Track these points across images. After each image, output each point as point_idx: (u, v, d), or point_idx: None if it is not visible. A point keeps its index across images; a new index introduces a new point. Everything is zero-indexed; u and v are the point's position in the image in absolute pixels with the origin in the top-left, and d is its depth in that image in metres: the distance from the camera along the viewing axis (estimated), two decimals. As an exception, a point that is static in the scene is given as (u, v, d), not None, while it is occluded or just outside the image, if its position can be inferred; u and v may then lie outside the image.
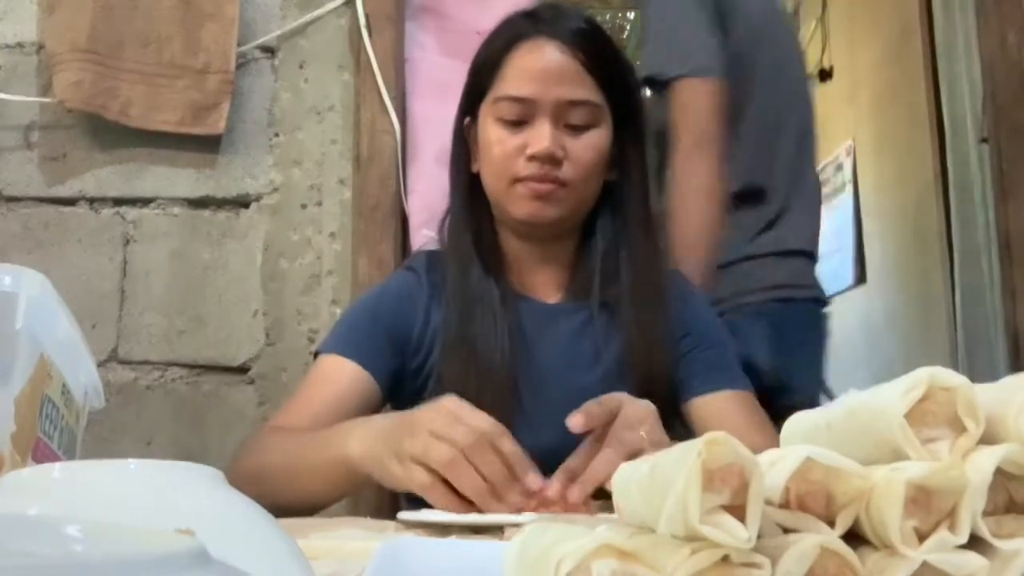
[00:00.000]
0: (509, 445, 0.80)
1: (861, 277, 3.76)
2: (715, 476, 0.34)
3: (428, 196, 1.54)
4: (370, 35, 1.60)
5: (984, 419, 0.37)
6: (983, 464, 0.36)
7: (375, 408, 1.08)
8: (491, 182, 1.09)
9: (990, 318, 2.56)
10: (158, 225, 1.60)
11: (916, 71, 3.13)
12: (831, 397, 1.93)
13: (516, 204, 1.06)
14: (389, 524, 0.79)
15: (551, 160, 1.03)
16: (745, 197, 1.56)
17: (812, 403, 1.68)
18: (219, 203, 1.61)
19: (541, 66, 1.04)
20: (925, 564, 0.35)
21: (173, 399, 1.56)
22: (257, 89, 1.63)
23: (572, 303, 1.11)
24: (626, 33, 4.62)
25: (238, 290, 1.58)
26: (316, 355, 1.11)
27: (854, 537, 0.36)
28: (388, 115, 1.59)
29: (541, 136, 1.03)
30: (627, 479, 0.39)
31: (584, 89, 1.05)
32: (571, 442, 0.85)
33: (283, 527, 0.40)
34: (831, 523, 0.36)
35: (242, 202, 1.61)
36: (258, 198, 1.60)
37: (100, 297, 1.57)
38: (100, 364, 1.44)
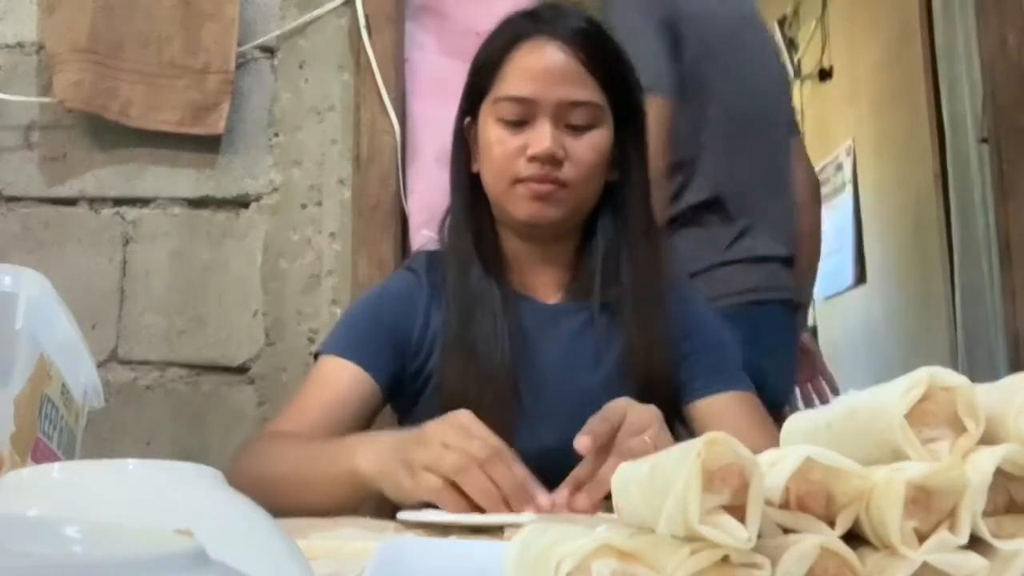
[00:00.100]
0: (519, 467, 0.81)
1: (861, 277, 3.76)
2: (715, 476, 0.34)
3: (428, 196, 1.54)
4: (370, 35, 1.60)
5: (984, 419, 0.37)
6: (983, 464, 0.36)
7: (376, 410, 1.08)
8: (491, 182, 1.09)
9: (990, 318, 2.56)
10: (158, 225, 1.60)
11: (916, 71, 3.13)
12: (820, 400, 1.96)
13: (516, 205, 1.06)
14: (389, 524, 0.79)
15: (552, 161, 1.03)
16: (712, 206, 1.58)
17: (784, 402, 1.70)
18: (219, 203, 1.61)
19: (542, 66, 1.04)
20: (925, 564, 0.35)
21: (173, 399, 1.56)
22: (257, 89, 1.62)
23: (573, 304, 1.11)
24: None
25: (238, 290, 1.58)
26: (316, 356, 1.11)
27: (854, 537, 0.36)
28: (388, 115, 1.58)
29: (542, 137, 1.03)
30: (627, 479, 0.39)
31: (585, 89, 1.04)
32: (570, 444, 0.85)
33: (283, 527, 0.40)
34: (831, 523, 0.36)
35: (242, 202, 1.61)
36: (258, 198, 1.60)
37: (100, 297, 1.57)
38: (100, 364, 1.44)
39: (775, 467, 0.36)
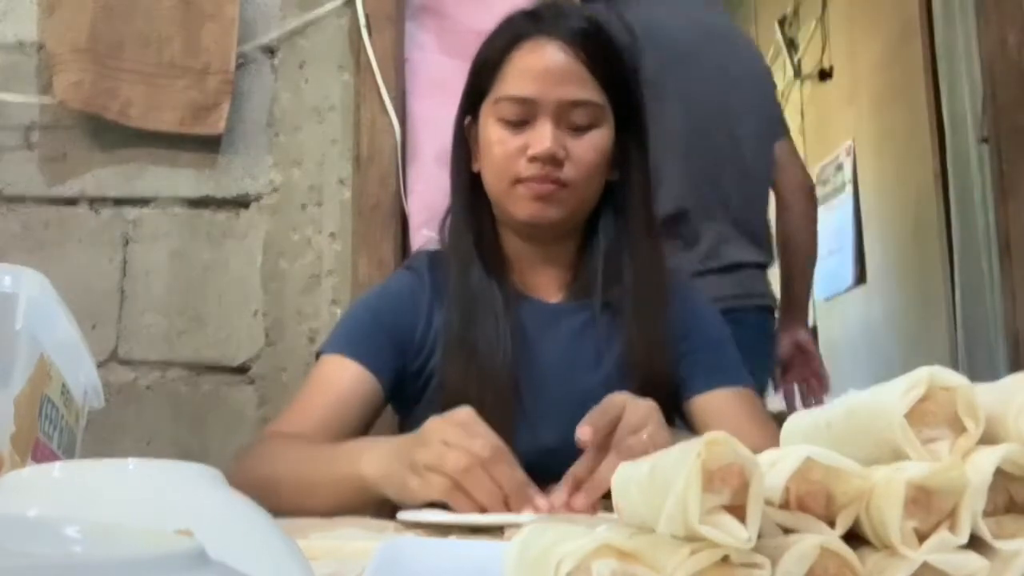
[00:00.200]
0: (518, 470, 0.81)
1: (861, 277, 3.76)
2: (715, 476, 0.34)
3: (428, 196, 1.54)
4: (370, 35, 1.60)
5: (984, 419, 0.37)
6: (983, 464, 0.36)
7: (378, 409, 1.08)
8: (492, 182, 1.08)
9: (990, 318, 2.56)
10: (158, 225, 1.60)
11: (916, 71, 3.13)
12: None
13: (517, 205, 1.06)
14: (389, 524, 0.79)
15: (552, 161, 1.03)
16: (678, 220, 1.60)
17: None
18: (219, 203, 1.61)
19: (542, 66, 1.04)
20: (925, 564, 0.35)
21: (173, 399, 1.56)
22: (257, 89, 1.62)
23: (574, 303, 1.11)
24: None
25: (238, 290, 1.58)
26: (318, 355, 1.11)
27: (854, 537, 0.36)
28: (388, 115, 1.58)
29: (542, 137, 1.03)
30: (627, 479, 0.39)
31: (586, 89, 1.04)
32: (571, 443, 0.85)
33: (283, 527, 0.40)
34: (831, 523, 0.36)
35: (242, 202, 1.61)
36: (258, 198, 1.60)
37: (100, 297, 1.57)
38: (100, 364, 1.44)
39: (775, 467, 0.36)
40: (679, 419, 1.10)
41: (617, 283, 1.09)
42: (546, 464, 0.88)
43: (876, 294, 3.67)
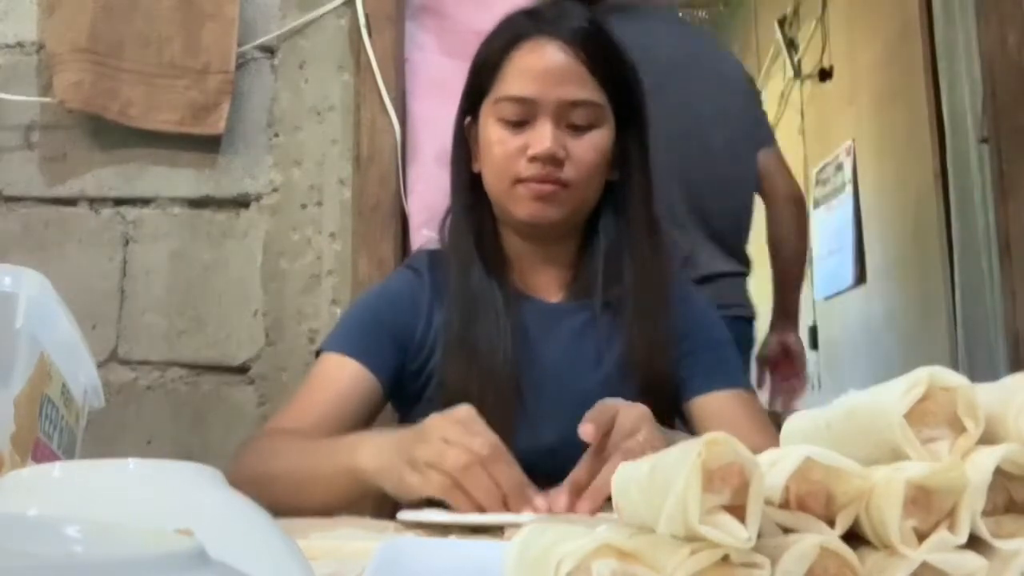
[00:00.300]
0: (516, 470, 0.81)
1: (861, 277, 3.76)
2: (715, 476, 0.34)
3: (428, 196, 1.54)
4: (370, 35, 1.60)
5: (984, 419, 0.37)
6: (983, 464, 0.36)
7: (377, 408, 1.08)
8: (492, 183, 1.08)
9: (990, 318, 2.56)
10: (158, 225, 1.60)
11: (916, 71, 3.13)
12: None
13: (517, 205, 1.06)
14: (389, 524, 0.79)
15: (553, 161, 1.03)
16: None
17: None
18: (219, 203, 1.61)
19: (542, 66, 1.04)
20: (925, 564, 0.35)
21: (173, 399, 1.56)
22: (257, 89, 1.62)
23: (574, 303, 1.11)
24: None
25: (238, 290, 1.58)
26: (318, 353, 1.11)
27: (854, 537, 0.36)
28: (388, 115, 1.58)
29: (543, 137, 1.03)
30: (627, 479, 0.39)
31: (586, 89, 1.04)
32: (571, 443, 0.85)
33: (283, 527, 0.40)
34: (831, 523, 0.36)
35: (242, 202, 1.61)
36: (258, 198, 1.60)
37: (100, 297, 1.57)
38: (100, 364, 1.44)
39: (775, 467, 0.36)
40: (680, 422, 1.10)
41: (617, 283, 1.09)
42: (546, 463, 0.88)
43: (876, 294, 3.67)
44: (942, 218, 2.97)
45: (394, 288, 1.15)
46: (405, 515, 0.79)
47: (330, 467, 0.90)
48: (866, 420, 0.39)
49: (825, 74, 4.13)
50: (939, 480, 0.35)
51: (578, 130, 1.05)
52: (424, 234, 1.51)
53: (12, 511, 0.34)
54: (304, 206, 1.60)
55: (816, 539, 0.34)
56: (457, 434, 0.80)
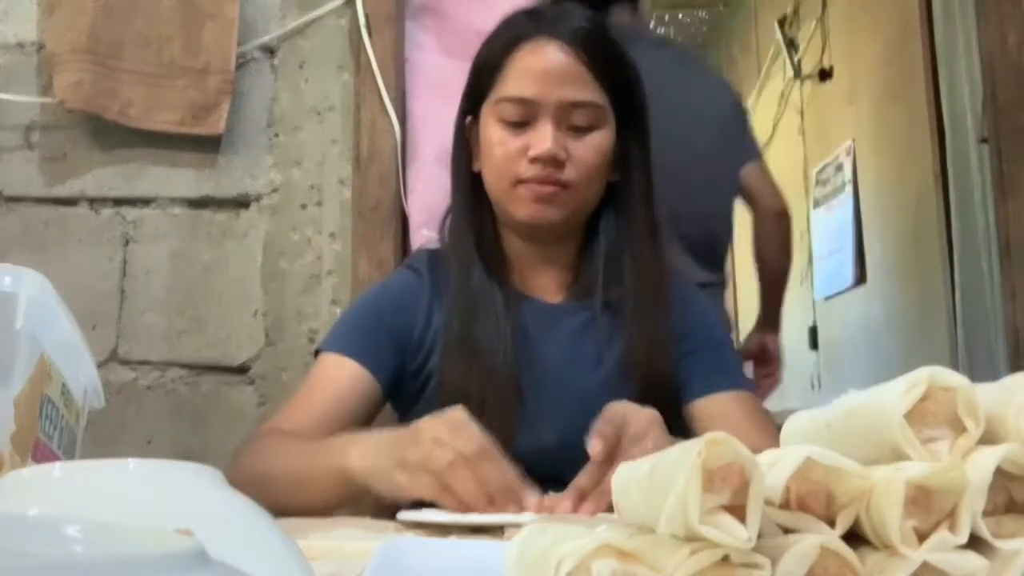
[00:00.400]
0: (509, 469, 0.81)
1: (861, 277, 3.76)
2: (715, 476, 0.34)
3: (428, 196, 1.54)
4: (370, 35, 1.60)
5: (984, 419, 0.37)
6: (983, 464, 0.36)
7: (376, 408, 1.08)
8: (493, 183, 1.08)
9: (990, 318, 2.56)
10: (158, 225, 1.60)
11: (916, 71, 3.13)
12: None
13: (518, 206, 1.06)
14: (389, 524, 0.79)
15: (553, 162, 1.03)
16: None
17: None
18: (219, 203, 1.61)
19: (543, 67, 1.04)
20: (925, 564, 0.35)
21: (173, 399, 1.56)
22: (257, 89, 1.62)
23: (574, 303, 1.11)
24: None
25: (238, 290, 1.58)
26: (317, 353, 1.11)
27: (854, 537, 0.36)
28: (388, 115, 1.58)
29: (543, 138, 1.02)
30: (627, 479, 0.39)
31: (587, 90, 1.04)
32: (571, 443, 0.85)
33: (283, 527, 0.40)
34: (831, 523, 0.36)
35: (242, 202, 1.61)
36: (258, 198, 1.60)
37: (100, 297, 1.57)
38: (100, 364, 1.44)
39: (775, 467, 0.36)
40: (680, 423, 1.10)
41: (618, 283, 1.09)
42: (546, 464, 0.88)
43: (876, 294, 3.67)
44: (942, 218, 2.97)
45: (394, 288, 1.15)
46: (405, 515, 0.79)
47: (322, 468, 0.90)
48: (866, 420, 0.39)
49: (825, 74, 4.13)
50: (939, 480, 0.35)
51: (579, 131, 1.04)
52: (424, 234, 1.51)
53: (12, 511, 0.34)
54: (304, 206, 1.60)
55: (816, 539, 0.34)
56: (446, 435, 0.80)
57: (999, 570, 0.35)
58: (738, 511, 0.34)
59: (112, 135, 1.59)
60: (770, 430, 1.05)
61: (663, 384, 1.05)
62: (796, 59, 4.47)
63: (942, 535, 0.35)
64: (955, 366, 1.96)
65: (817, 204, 4.26)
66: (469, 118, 1.12)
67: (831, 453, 0.36)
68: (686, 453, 0.34)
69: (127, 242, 1.60)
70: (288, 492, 0.89)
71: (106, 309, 1.57)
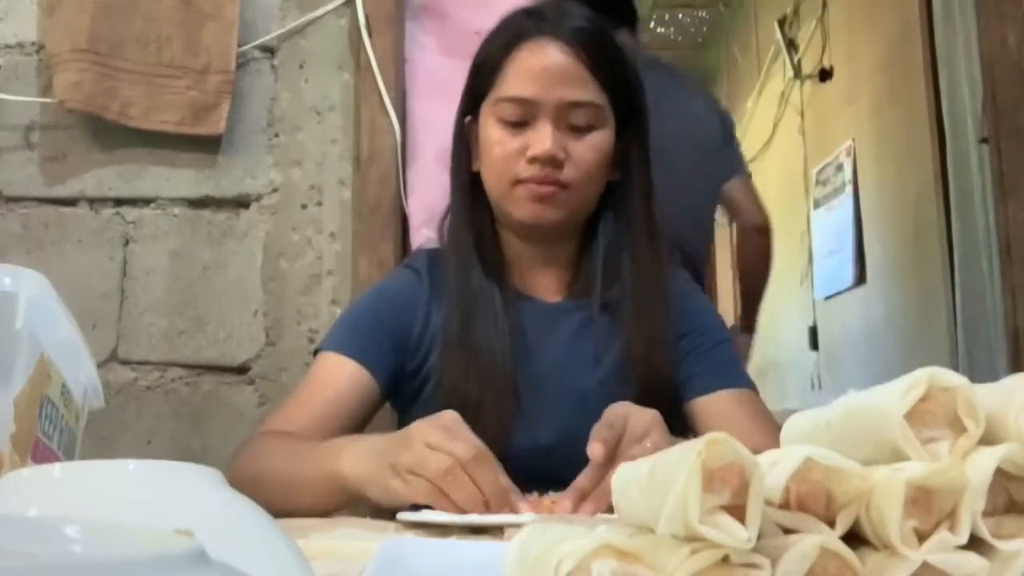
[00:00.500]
0: (502, 476, 0.80)
1: (861, 277, 3.76)
2: (715, 476, 0.34)
3: (428, 196, 1.54)
4: (370, 35, 1.60)
5: (984, 419, 0.37)
6: (983, 464, 0.36)
7: (375, 407, 1.08)
8: (492, 183, 1.08)
9: (990, 318, 2.56)
10: (158, 225, 1.60)
11: (916, 71, 3.13)
12: None
13: (517, 206, 1.06)
14: (389, 524, 0.79)
15: (552, 162, 1.03)
16: None
17: None
18: (219, 203, 1.61)
19: (542, 66, 1.04)
20: (925, 564, 0.35)
21: (173, 399, 1.56)
22: (257, 89, 1.63)
23: (573, 303, 1.11)
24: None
25: (238, 290, 1.58)
26: (316, 352, 1.10)
27: (854, 537, 0.36)
28: (388, 115, 1.58)
29: (542, 138, 1.02)
30: (627, 479, 0.39)
31: (586, 90, 1.04)
32: (569, 443, 0.85)
33: (283, 527, 0.40)
34: (831, 523, 0.36)
35: (242, 202, 1.61)
36: (258, 198, 1.60)
37: (100, 297, 1.57)
38: (100, 364, 1.44)
39: (775, 467, 0.36)
40: (680, 422, 1.10)
41: (617, 283, 1.09)
42: (544, 464, 0.88)
43: (876, 294, 3.67)
44: (942, 218, 2.97)
45: (393, 288, 1.15)
46: (405, 515, 0.79)
47: (315, 472, 0.90)
48: (866, 420, 0.39)
49: (825, 74, 4.14)
50: (939, 480, 0.35)
51: (578, 131, 1.04)
52: (424, 234, 1.51)
53: (12, 511, 0.34)
54: (304, 206, 1.60)
55: (816, 539, 0.34)
56: (440, 439, 0.80)
57: (999, 570, 0.35)
58: (738, 511, 0.34)
59: (112, 135, 1.59)
60: (771, 429, 1.04)
61: (662, 384, 1.05)
62: (796, 59, 4.47)
63: (942, 535, 0.35)
64: (955, 366, 1.97)
65: (817, 204, 4.27)
66: (468, 118, 1.12)
67: (831, 453, 0.36)
68: (686, 453, 0.34)
69: (127, 242, 1.60)
70: (284, 495, 0.89)
71: (106, 309, 1.57)
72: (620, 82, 1.07)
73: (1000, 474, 0.36)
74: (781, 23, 4.56)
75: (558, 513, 0.80)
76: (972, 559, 0.35)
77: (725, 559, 0.33)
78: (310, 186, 1.60)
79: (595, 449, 0.81)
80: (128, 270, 1.59)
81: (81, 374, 0.66)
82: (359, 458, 0.87)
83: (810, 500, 0.36)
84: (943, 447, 0.37)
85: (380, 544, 0.53)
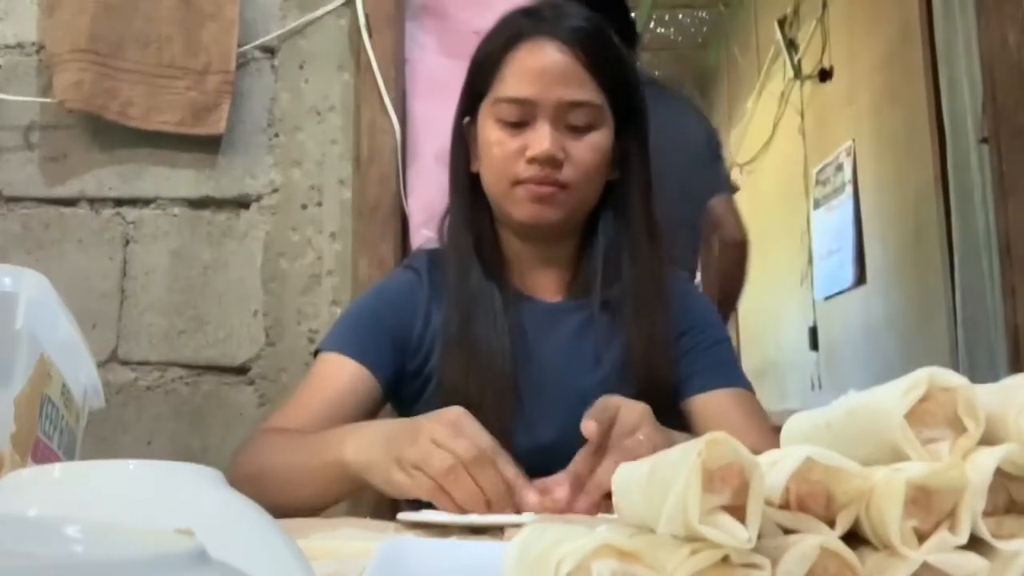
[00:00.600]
0: (509, 467, 0.81)
1: (861, 277, 3.76)
2: (715, 476, 0.34)
3: (428, 196, 1.54)
4: (370, 35, 1.60)
5: (984, 419, 0.37)
6: (983, 464, 0.36)
7: (376, 407, 1.08)
8: (491, 183, 1.08)
9: (990, 318, 2.56)
10: (158, 225, 1.60)
11: (916, 71, 3.13)
12: None
13: (516, 206, 1.06)
14: (389, 524, 0.79)
15: (551, 162, 1.03)
16: None
17: None
18: (219, 203, 1.61)
19: (541, 66, 1.03)
20: (925, 564, 0.35)
21: (173, 399, 1.56)
22: (257, 89, 1.63)
23: (573, 303, 1.11)
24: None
25: (238, 290, 1.58)
26: (316, 353, 1.10)
27: (854, 537, 0.36)
28: (388, 115, 1.58)
29: (541, 138, 1.02)
30: (627, 479, 0.39)
31: (585, 90, 1.04)
32: (569, 442, 0.85)
33: (283, 527, 0.40)
34: (831, 523, 0.36)
35: (242, 202, 1.61)
36: (258, 198, 1.60)
37: (100, 297, 1.57)
38: (100, 364, 1.44)
39: (775, 467, 0.36)
40: (678, 422, 1.10)
41: (616, 283, 1.09)
42: (545, 463, 0.88)
43: (876, 294, 3.67)
44: (942, 218, 2.97)
45: (393, 288, 1.15)
46: (405, 515, 0.79)
47: (319, 461, 0.90)
48: (866, 420, 0.39)
49: (825, 74, 4.14)
50: (939, 480, 0.35)
51: (577, 131, 1.04)
52: (424, 234, 1.51)
53: (12, 511, 0.34)
54: (304, 206, 1.60)
55: (816, 539, 0.34)
56: (445, 436, 0.80)
57: (999, 571, 0.35)
58: (738, 511, 0.34)
59: (112, 135, 1.59)
60: (766, 430, 1.05)
61: (661, 383, 1.05)
62: (796, 59, 4.47)
63: (942, 535, 0.35)
64: (955, 366, 1.97)
65: (817, 204, 4.26)
66: (467, 118, 1.12)
67: (831, 453, 0.36)
68: (686, 453, 0.34)
69: (127, 242, 1.60)
70: (285, 487, 0.89)
71: (106, 309, 1.57)
72: (619, 81, 1.07)
73: (1000, 474, 0.36)
74: (781, 23, 4.56)
75: (555, 496, 0.80)
76: (972, 559, 0.35)
77: (725, 559, 0.33)
78: (310, 186, 1.60)
79: (589, 426, 0.81)
80: (128, 270, 1.59)
81: (81, 374, 0.66)
82: (364, 445, 0.87)
83: (810, 500, 0.36)
84: (943, 447, 0.37)
85: (380, 544, 0.53)
